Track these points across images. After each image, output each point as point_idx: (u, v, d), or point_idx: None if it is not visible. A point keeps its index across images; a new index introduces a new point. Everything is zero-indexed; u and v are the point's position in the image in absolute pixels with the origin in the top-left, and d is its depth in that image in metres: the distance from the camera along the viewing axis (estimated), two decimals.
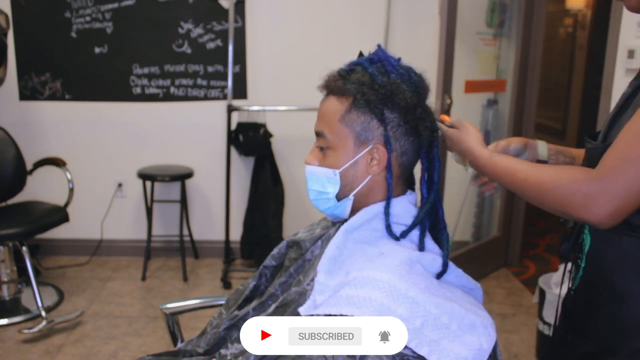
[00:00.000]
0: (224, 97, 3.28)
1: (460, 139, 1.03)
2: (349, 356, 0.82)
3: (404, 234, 0.97)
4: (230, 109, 3.06)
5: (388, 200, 0.98)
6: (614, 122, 0.95)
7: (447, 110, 2.73)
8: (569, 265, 1.09)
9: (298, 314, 0.92)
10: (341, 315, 0.85)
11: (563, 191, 0.86)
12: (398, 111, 0.96)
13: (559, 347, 1.09)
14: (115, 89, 3.28)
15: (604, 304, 0.96)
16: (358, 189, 1.00)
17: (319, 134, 1.01)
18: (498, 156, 0.97)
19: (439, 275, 0.97)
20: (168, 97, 3.29)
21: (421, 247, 0.98)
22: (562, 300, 1.14)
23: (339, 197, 1.01)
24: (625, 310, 0.93)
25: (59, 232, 3.25)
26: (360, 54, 1.04)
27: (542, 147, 1.15)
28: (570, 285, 1.07)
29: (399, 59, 1.01)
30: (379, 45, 1.01)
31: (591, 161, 0.95)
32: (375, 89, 0.95)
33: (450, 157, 1.13)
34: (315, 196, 1.03)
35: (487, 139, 3.34)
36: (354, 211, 1.01)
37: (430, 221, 1.02)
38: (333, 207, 1.02)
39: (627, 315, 0.93)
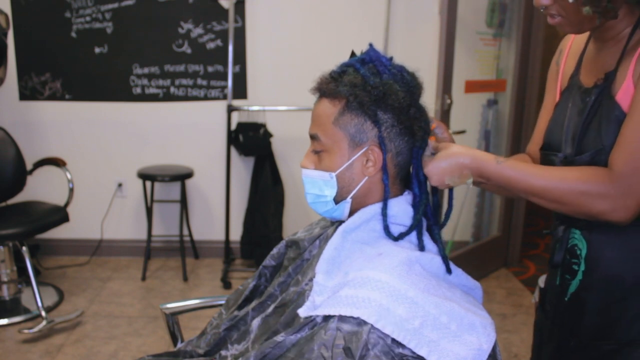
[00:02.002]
0: (224, 97, 3.28)
1: (454, 153, 0.96)
2: (347, 355, 0.82)
3: (402, 236, 0.97)
4: (230, 109, 3.06)
5: (385, 201, 0.98)
6: (586, 131, 0.97)
7: (447, 110, 2.73)
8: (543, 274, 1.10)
9: (297, 315, 0.93)
10: (340, 315, 0.85)
11: (588, 198, 0.89)
12: (391, 112, 0.96)
13: (559, 354, 1.08)
14: (115, 89, 3.28)
15: (618, 300, 0.97)
16: (355, 191, 0.99)
17: (313, 137, 1.00)
18: (507, 161, 0.96)
19: (448, 272, 0.98)
20: (168, 97, 3.29)
21: (421, 247, 0.98)
22: (547, 309, 1.13)
23: (337, 200, 1.01)
24: None
25: (59, 232, 3.26)
26: (353, 54, 1.03)
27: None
28: (561, 293, 1.07)
29: (391, 58, 1.01)
30: (370, 45, 1.01)
31: None
32: (368, 90, 0.95)
33: None
34: (313, 199, 1.02)
35: (487, 139, 3.34)
36: (352, 213, 1.01)
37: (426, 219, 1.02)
38: (331, 210, 1.02)
39: None
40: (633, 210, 0.88)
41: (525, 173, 0.94)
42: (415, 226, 0.98)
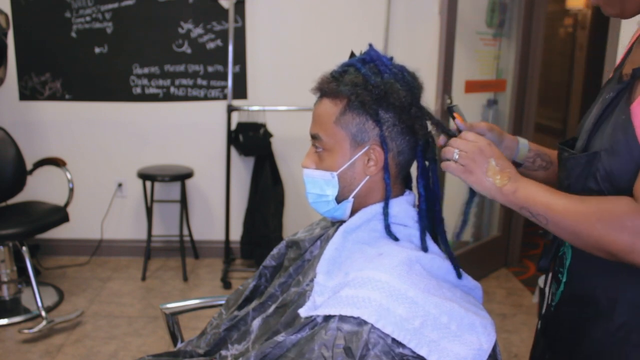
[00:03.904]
0: (224, 97, 3.28)
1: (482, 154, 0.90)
2: (347, 355, 0.82)
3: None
4: (230, 109, 3.06)
5: (386, 201, 0.98)
6: (597, 129, 0.89)
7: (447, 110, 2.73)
8: (546, 279, 1.06)
9: (297, 315, 0.93)
10: (340, 315, 0.85)
11: (605, 227, 0.77)
12: (393, 111, 0.96)
13: None
14: (115, 89, 3.28)
15: (589, 319, 0.91)
16: (357, 190, 0.99)
17: (314, 137, 1.00)
18: (522, 184, 0.86)
19: (458, 276, 0.98)
20: (168, 97, 3.29)
21: (424, 248, 0.98)
22: (542, 318, 1.08)
23: (338, 200, 1.01)
24: (614, 322, 0.87)
25: (59, 232, 3.26)
26: (352, 54, 1.03)
27: (524, 148, 1.06)
28: (549, 302, 1.03)
29: (391, 58, 1.01)
30: (370, 45, 1.01)
31: (570, 171, 0.92)
32: (369, 89, 0.95)
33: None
34: (315, 199, 1.02)
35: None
36: (352, 213, 1.01)
37: (429, 219, 1.02)
38: (333, 209, 1.02)
39: (615, 327, 0.87)
40: None
41: (545, 191, 0.85)
42: (426, 227, 0.98)
